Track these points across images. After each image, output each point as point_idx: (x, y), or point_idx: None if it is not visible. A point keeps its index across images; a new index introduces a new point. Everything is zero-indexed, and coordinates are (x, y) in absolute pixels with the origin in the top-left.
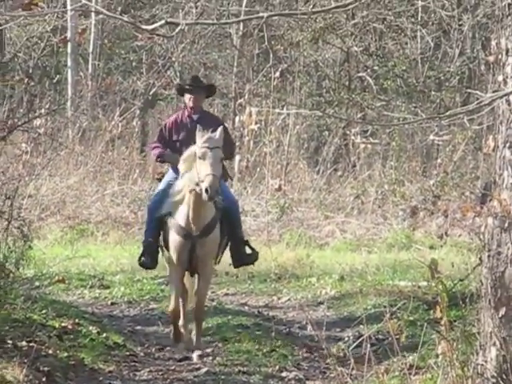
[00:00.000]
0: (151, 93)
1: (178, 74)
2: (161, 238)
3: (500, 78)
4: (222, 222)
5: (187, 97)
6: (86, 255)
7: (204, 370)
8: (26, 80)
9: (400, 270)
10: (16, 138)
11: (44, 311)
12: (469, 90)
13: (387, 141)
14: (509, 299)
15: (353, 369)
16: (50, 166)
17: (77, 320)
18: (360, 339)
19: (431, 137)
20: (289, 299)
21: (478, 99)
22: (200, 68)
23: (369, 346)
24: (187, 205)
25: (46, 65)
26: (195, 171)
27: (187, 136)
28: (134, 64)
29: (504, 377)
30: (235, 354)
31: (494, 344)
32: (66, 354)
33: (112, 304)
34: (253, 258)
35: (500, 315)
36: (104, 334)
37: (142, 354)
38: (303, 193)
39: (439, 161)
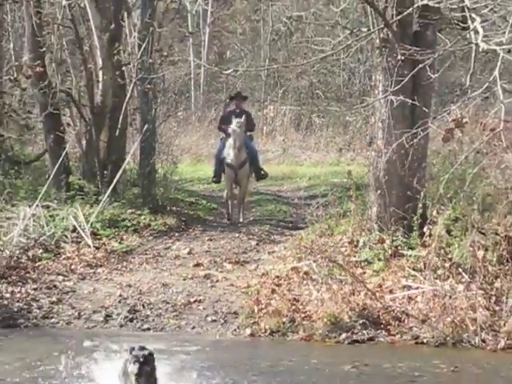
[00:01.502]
0: (227, 100)
1: (240, 89)
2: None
3: (376, 92)
4: (250, 160)
5: (234, 102)
6: (200, 170)
7: (251, 218)
8: (174, 96)
9: (334, 174)
10: (170, 120)
11: (183, 194)
12: (363, 98)
13: (329, 119)
14: (381, 186)
15: (316, 215)
16: (185, 132)
17: (197, 197)
18: (318, 204)
19: (347, 117)
20: (286, 187)
21: (367, 101)
22: (247, 88)
23: (322, 207)
24: (231, 153)
25: (182, 89)
26: (232, 137)
27: (233, 119)
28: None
29: (380, 220)
30: (264, 211)
31: (375, 205)
32: (192, 212)
33: (212, 191)
34: (265, 175)
35: (378, 193)
36: (209, 204)
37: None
38: (293, 142)
39: (351, 128)
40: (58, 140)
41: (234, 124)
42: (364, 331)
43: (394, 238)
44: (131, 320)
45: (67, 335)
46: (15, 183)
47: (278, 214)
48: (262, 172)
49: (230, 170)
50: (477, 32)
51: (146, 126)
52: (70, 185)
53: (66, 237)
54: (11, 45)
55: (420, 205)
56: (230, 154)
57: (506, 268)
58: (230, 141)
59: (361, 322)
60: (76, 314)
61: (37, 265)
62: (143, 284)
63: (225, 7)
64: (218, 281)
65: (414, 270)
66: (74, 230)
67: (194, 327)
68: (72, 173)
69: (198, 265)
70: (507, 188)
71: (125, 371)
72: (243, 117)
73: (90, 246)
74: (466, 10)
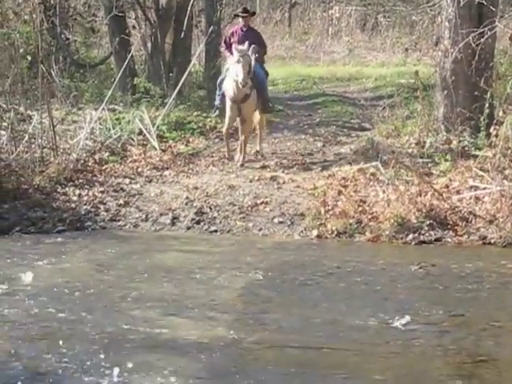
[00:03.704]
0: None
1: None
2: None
3: None
4: (257, 89)
5: (240, 19)
6: None
7: (311, 121)
8: None
9: (401, 75)
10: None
11: None
12: None
13: (395, 19)
14: (448, 86)
15: (383, 116)
16: None
17: None
18: (384, 105)
19: (413, 17)
20: (352, 88)
21: (433, 1)
22: None
23: (388, 108)
24: (233, 85)
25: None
26: (235, 69)
27: (238, 40)
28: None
29: (447, 121)
30: (330, 112)
31: (441, 105)
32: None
33: (278, 92)
34: (272, 108)
35: (444, 93)
36: (275, 105)
37: None
38: (358, 42)
39: (417, 28)
40: (123, 43)
41: (236, 55)
42: (431, 232)
43: (461, 139)
44: (198, 222)
45: (135, 237)
46: (81, 86)
47: (343, 115)
48: (270, 104)
49: (233, 104)
50: None
51: (211, 28)
52: (136, 87)
53: (133, 140)
54: None
55: (487, 105)
56: (230, 89)
57: None
58: (233, 74)
59: (428, 222)
60: (143, 216)
61: (103, 168)
62: (210, 186)
63: None
64: (284, 182)
65: (481, 170)
66: (140, 132)
67: (260, 229)
68: (137, 75)
69: (264, 167)
70: None
71: None
72: (246, 44)
73: (156, 149)
74: None
